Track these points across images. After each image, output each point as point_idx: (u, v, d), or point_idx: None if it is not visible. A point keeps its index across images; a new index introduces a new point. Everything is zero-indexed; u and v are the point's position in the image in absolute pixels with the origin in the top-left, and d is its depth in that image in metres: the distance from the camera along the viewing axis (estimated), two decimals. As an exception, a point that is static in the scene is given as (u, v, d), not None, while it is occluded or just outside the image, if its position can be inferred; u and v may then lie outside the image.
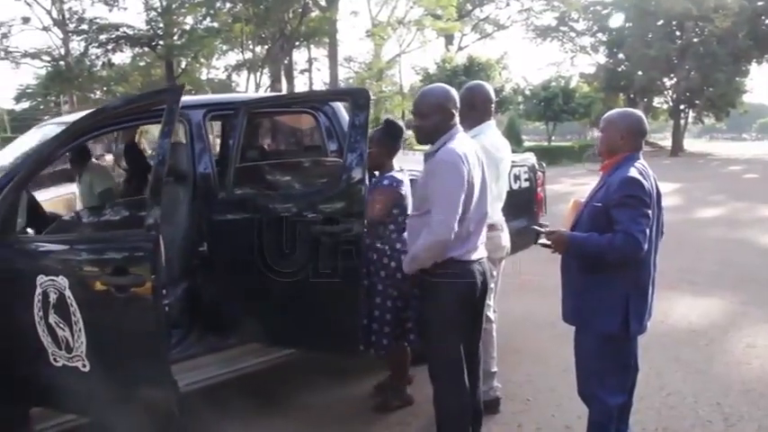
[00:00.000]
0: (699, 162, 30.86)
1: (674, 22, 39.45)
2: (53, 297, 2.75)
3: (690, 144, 48.33)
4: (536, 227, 3.20)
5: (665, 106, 44.94)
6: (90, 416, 3.12)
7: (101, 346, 2.76)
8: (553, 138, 38.12)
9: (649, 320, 2.95)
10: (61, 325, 2.77)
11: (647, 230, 2.69)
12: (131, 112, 3.32)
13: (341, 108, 4.09)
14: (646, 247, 2.68)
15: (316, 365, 4.34)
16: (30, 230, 3.30)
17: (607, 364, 2.89)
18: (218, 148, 4.04)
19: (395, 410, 3.85)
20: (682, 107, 41.78)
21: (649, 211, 2.71)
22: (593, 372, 2.92)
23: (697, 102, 41.02)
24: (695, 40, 38.62)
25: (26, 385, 3.02)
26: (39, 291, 2.78)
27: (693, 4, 36.00)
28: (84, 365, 2.78)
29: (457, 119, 2.95)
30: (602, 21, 44.08)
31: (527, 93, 35.70)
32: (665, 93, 42.30)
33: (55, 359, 2.84)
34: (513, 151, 4.17)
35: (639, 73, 39.88)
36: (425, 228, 2.79)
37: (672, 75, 39.64)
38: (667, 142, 41.44)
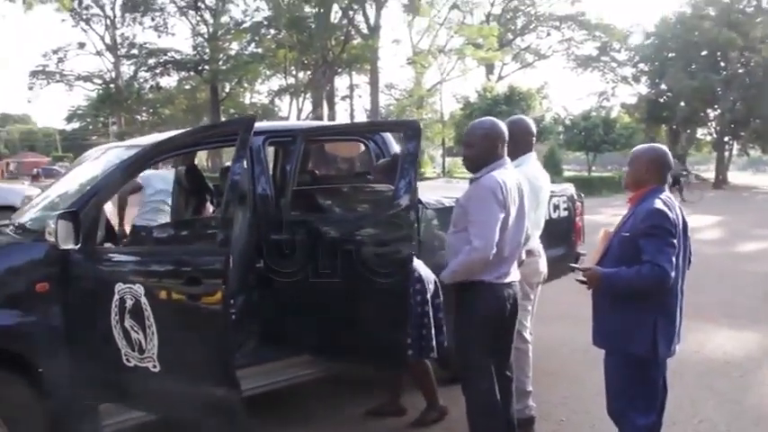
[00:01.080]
0: (743, 195, 30.37)
1: (718, 53, 39.16)
2: (129, 303, 3.05)
3: (734, 177, 47.51)
4: (572, 264, 3.43)
5: (709, 138, 44.45)
6: (157, 413, 3.40)
7: (171, 348, 3.04)
8: (593, 168, 37.93)
9: (678, 345, 3.09)
10: (135, 328, 3.06)
11: (674, 259, 2.85)
12: (207, 138, 3.65)
13: (390, 137, 4.37)
14: (673, 275, 2.84)
15: (355, 379, 4.60)
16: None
17: (636, 386, 3.04)
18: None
19: (431, 425, 4.04)
20: (726, 139, 41.27)
21: (675, 241, 2.88)
22: (622, 393, 3.07)
23: (742, 133, 40.52)
24: (740, 70, 38.25)
25: (98, 382, 3.31)
26: (117, 297, 3.08)
27: (739, 34, 35.77)
28: (154, 366, 3.06)
29: (504, 151, 3.20)
30: (643, 51, 43.97)
31: (567, 122, 35.69)
32: (709, 124, 41.86)
33: (128, 360, 3.13)
34: (553, 181, 4.39)
35: (682, 104, 39.60)
36: (467, 246, 3.03)
37: (716, 106, 39.27)
38: (711, 174, 40.79)
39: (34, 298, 3.16)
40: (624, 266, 2.92)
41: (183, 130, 4.03)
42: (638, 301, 2.95)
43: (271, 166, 4.55)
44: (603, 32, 43.85)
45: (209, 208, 4.98)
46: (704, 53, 39.92)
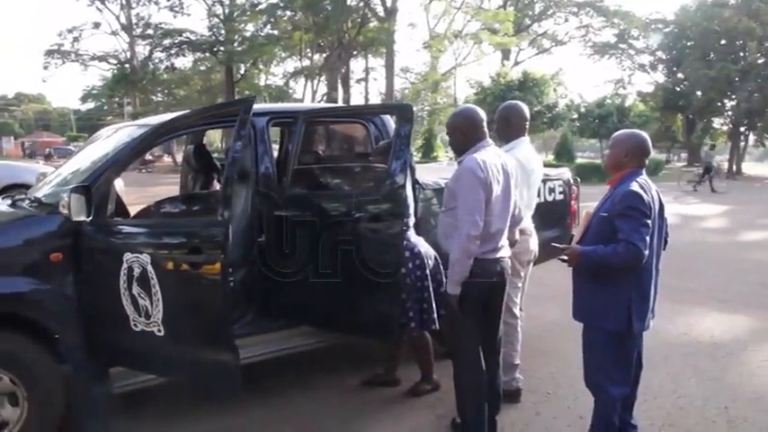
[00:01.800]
0: (755, 186, 30.21)
1: (737, 42, 38.76)
2: (137, 271, 3.27)
3: (749, 167, 47.17)
4: (555, 244, 3.60)
5: (725, 128, 44.11)
6: (161, 375, 3.63)
7: (174, 314, 3.27)
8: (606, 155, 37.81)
9: (653, 320, 3.26)
10: (142, 295, 3.28)
11: (647, 238, 3.03)
12: (210, 118, 3.85)
13: (389, 120, 4.55)
14: (646, 253, 3.02)
15: (351, 352, 4.83)
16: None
17: (612, 359, 3.23)
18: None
19: (425, 395, 4.26)
20: (741, 129, 40.93)
21: (649, 221, 3.04)
22: (598, 365, 3.27)
23: (759, 124, 40.14)
24: (759, 60, 37.85)
25: (108, 347, 3.54)
26: (125, 266, 3.30)
27: (759, 23, 35.39)
28: (159, 330, 3.29)
29: (484, 133, 3.36)
30: (662, 38, 43.61)
31: (582, 110, 35.54)
32: (725, 114, 41.50)
33: (135, 324, 3.35)
34: (553, 166, 4.55)
35: (699, 93, 39.31)
36: (455, 233, 3.20)
37: (732, 96, 38.91)
38: (725, 164, 40.51)
39: (49, 267, 3.37)
40: (602, 245, 3.10)
41: (187, 111, 4.23)
42: (614, 279, 3.13)
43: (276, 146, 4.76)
44: (622, 19, 43.48)
45: (216, 185, 5.18)
46: (723, 42, 39.55)
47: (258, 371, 4.06)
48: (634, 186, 3.07)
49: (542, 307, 6.14)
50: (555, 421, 3.95)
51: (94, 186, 3.39)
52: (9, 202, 4.11)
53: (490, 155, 3.30)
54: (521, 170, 3.77)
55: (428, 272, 3.99)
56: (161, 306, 3.24)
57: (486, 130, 3.38)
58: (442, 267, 4.13)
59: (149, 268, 3.22)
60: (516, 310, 4.16)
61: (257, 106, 3.76)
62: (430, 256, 4.05)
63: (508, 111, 4.16)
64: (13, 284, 3.31)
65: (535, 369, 4.67)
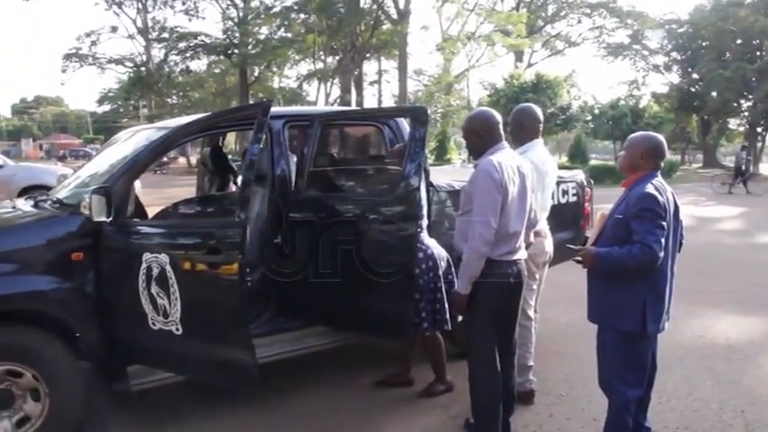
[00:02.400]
0: (773, 187, 29.86)
1: (753, 41, 38.44)
2: (156, 271, 3.33)
3: (766, 168, 46.71)
4: (570, 245, 3.61)
5: (741, 128, 43.75)
6: (179, 374, 3.69)
7: (192, 313, 3.32)
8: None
9: (668, 322, 3.27)
10: (161, 294, 3.34)
11: (663, 240, 3.04)
12: (228, 121, 3.91)
13: (403, 122, 4.58)
14: (661, 255, 3.03)
15: (364, 353, 4.88)
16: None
17: (626, 360, 3.24)
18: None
19: (438, 395, 4.28)
20: (758, 129, 40.56)
21: (664, 223, 3.05)
22: (613, 366, 3.27)
23: (776, 124, 39.79)
24: (776, 60, 37.54)
25: (127, 345, 3.59)
26: (144, 266, 3.36)
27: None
28: (177, 329, 3.35)
29: (500, 136, 3.38)
30: (677, 39, 43.36)
31: (595, 111, 35.42)
32: (741, 114, 41.14)
33: (153, 323, 3.42)
34: (567, 168, 4.56)
35: (714, 94, 39.02)
36: (469, 234, 3.23)
37: (749, 96, 38.58)
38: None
39: (70, 266, 3.45)
40: (617, 247, 3.11)
41: (206, 114, 4.30)
42: (629, 280, 3.14)
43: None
44: (636, 20, 43.26)
45: (232, 187, 5.24)
46: (738, 42, 39.26)
47: (273, 370, 4.10)
48: (649, 188, 3.09)
49: (557, 309, 6.15)
50: (568, 423, 3.96)
51: (114, 188, 3.46)
52: (32, 202, 4.18)
53: (506, 157, 3.32)
54: (535, 172, 3.79)
55: (441, 273, 4.02)
56: (179, 305, 3.29)
57: (501, 132, 3.40)
58: (453, 269, 4.17)
59: (168, 268, 3.28)
60: (531, 312, 4.17)
61: (274, 109, 3.81)
62: (442, 258, 4.08)
63: (521, 114, 4.18)
64: (36, 283, 3.39)
65: (549, 371, 4.68)
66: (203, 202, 4.43)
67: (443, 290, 4.03)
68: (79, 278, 3.47)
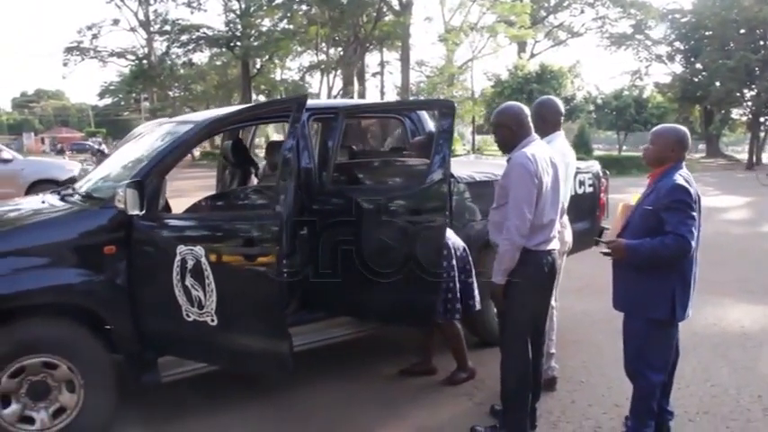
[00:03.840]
0: (776, 177, 29.90)
1: (757, 31, 38.29)
2: (190, 263, 3.39)
3: (769, 158, 46.72)
4: (597, 238, 3.68)
5: (744, 118, 43.64)
6: (213, 363, 3.76)
7: (228, 304, 3.39)
8: (624, 147, 37.61)
9: (691, 309, 3.35)
10: (196, 286, 3.40)
11: (694, 230, 3.11)
12: (260, 115, 3.97)
13: (425, 115, 4.64)
14: (694, 245, 3.11)
15: (384, 343, 4.97)
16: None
17: (653, 346, 3.33)
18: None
19: (461, 383, 4.37)
20: (762, 119, 40.47)
21: (695, 214, 3.13)
22: (640, 352, 3.35)
23: (780, 114, 39.65)
24: (781, 49, 37.38)
25: (159, 336, 3.67)
26: (178, 258, 3.42)
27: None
28: (212, 320, 3.42)
29: (530, 128, 3.44)
30: (680, 29, 43.21)
31: (599, 101, 35.38)
32: (745, 104, 41.04)
33: (187, 315, 3.48)
34: (582, 159, 4.62)
35: (717, 83, 38.90)
36: (504, 229, 3.29)
37: (752, 85, 38.46)
38: (744, 155, 40.19)
39: (103, 259, 3.50)
40: (647, 238, 3.17)
41: (237, 107, 4.35)
42: (658, 269, 3.22)
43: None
44: (639, 10, 43.11)
45: (253, 180, 5.30)
46: (742, 31, 39.05)
47: (300, 360, 4.17)
48: (679, 180, 3.16)
49: (572, 298, 6.23)
50: (590, 409, 4.04)
51: (146, 181, 3.51)
52: (58, 196, 4.24)
53: (538, 149, 3.38)
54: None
55: (454, 263, 4.10)
56: (215, 297, 3.36)
57: (531, 125, 3.47)
58: (470, 258, 4.25)
59: (203, 260, 3.34)
60: (552, 301, 4.24)
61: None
62: (458, 248, 4.16)
63: (543, 107, 4.23)
64: (69, 276, 3.45)
65: (568, 358, 4.75)
66: (235, 196, 4.50)
67: (457, 280, 4.11)
68: (111, 271, 3.53)
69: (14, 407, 3.32)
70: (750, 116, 40.53)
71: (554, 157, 3.47)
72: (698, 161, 39.03)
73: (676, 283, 3.24)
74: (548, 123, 4.12)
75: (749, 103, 39.68)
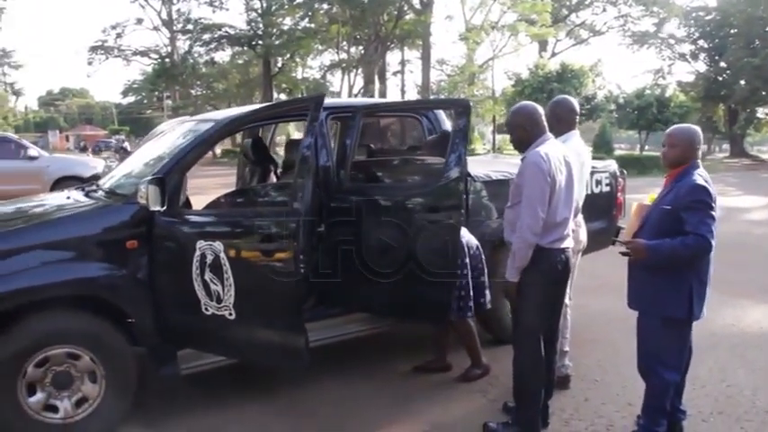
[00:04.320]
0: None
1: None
2: (209, 258, 3.47)
3: (794, 158, 46.05)
4: (614, 238, 3.71)
5: (770, 118, 43.12)
6: (230, 356, 3.85)
7: (246, 298, 3.47)
8: (646, 147, 37.25)
9: (706, 309, 3.36)
10: (215, 281, 3.48)
11: (714, 230, 3.13)
12: (279, 113, 4.04)
13: (441, 114, 4.69)
14: (714, 244, 3.12)
15: (398, 340, 5.04)
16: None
17: (668, 345, 3.34)
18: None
19: (475, 380, 4.41)
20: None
21: (715, 213, 3.15)
22: (654, 351, 3.36)
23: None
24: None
25: (179, 330, 3.75)
26: (198, 253, 3.51)
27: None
28: (230, 314, 3.50)
29: (544, 127, 3.48)
30: (704, 27, 42.72)
31: (620, 100, 35.07)
32: (770, 103, 40.52)
33: (206, 309, 3.56)
34: (600, 158, 4.62)
35: (742, 82, 38.42)
36: (517, 227, 3.33)
37: (778, 84, 37.93)
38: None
39: (125, 254, 3.60)
40: (666, 238, 3.19)
41: (258, 105, 4.43)
42: (676, 268, 3.23)
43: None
44: (662, 8, 42.71)
45: (273, 178, 5.37)
46: (768, 29, 38.60)
47: (316, 356, 4.24)
48: (699, 180, 3.18)
49: (588, 297, 6.22)
50: (604, 407, 4.05)
51: (168, 177, 3.60)
52: (83, 192, 4.35)
53: (552, 148, 3.41)
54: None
55: (468, 261, 4.16)
56: (233, 291, 3.44)
57: (545, 124, 3.50)
58: (483, 257, 4.29)
59: (222, 255, 3.42)
60: (566, 299, 4.26)
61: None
62: (471, 246, 4.22)
63: (558, 106, 4.25)
64: (92, 270, 3.55)
65: (582, 357, 4.77)
66: (255, 193, 4.57)
67: (470, 277, 4.17)
68: (133, 265, 3.62)
69: (39, 395, 3.42)
70: (776, 116, 39.99)
71: (568, 156, 3.50)
72: (721, 161, 38.58)
73: (693, 281, 3.25)
74: (563, 122, 4.14)
75: (775, 103, 39.16)
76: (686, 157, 3.31)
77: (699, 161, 3.32)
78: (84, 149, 43.19)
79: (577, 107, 4.30)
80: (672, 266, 3.24)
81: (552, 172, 3.28)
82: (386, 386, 4.39)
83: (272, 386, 4.32)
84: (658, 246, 3.21)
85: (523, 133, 3.46)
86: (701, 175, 3.22)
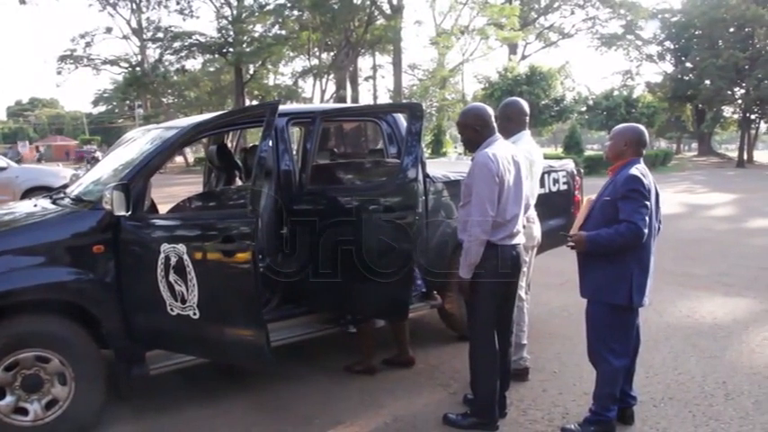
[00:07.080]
0: (765, 173, 30.17)
1: (745, 29, 38.62)
2: (173, 260, 3.57)
3: (762, 156, 47.08)
4: (562, 232, 3.88)
5: (735, 116, 43.96)
6: (197, 355, 3.94)
7: (209, 297, 3.56)
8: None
9: (649, 296, 3.54)
10: (179, 282, 3.58)
11: (647, 218, 3.32)
12: (237, 120, 4.15)
13: (401, 117, 4.84)
14: (646, 232, 3.31)
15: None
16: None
17: (613, 331, 3.53)
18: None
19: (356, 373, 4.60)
20: (752, 117, 40.78)
21: (648, 203, 3.34)
22: (601, 338, 3.55)
23: (770, 111, 39.96)
24: (769, 47, 37.69)
25: (146, 331, 3.84)
26: (162, 255, 3.60)
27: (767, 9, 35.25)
28: (194, 314, 3.59)
29: (493, 129, 3.63)
30: (670, 28, 43.54)
31: (589, 102, 35.61)
32: (735, 102, 41.33)
33: (171, 309, 3.66)
34: (558, 158, 4.78)
35: (707, 82, 39.23)
36: (468, 222, 3.48)
37: (742, 83, 38.77)
38: (736, 153, 40.50)
39: (93, 258, 3.69)
40: (605, 228, 3.38)
41: (217, 113, 4.54)
42: (618, 257, 3.42)
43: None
44: (628, 10, 43.46)
45: (238, 182, 5.48)
46: (731, 30, 39.43)
47: (283, 354, 4.35)
48: (634, 171, 3.38)
49: (550, 293, 6.43)
50: (561, 397, 4.22)
51: (132, 183, 3.70)
52: (50, 200, 4.42)
53: (501, 148, 3.57)
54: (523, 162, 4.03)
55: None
56: (196, 291, 3.54)
57: (495, 125, 3.66)
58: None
59: (185, 257, 3.53)
60: (522, 293, 4.42)
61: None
62: None
63: (508, 107, 4.43)
64: (60, 274, 3.64)
65: (542, 350, 4.95)
66: (215, 197, 4.68)
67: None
68: (100, 269, 3.71)
69: (9, 399, 3.50)
70: (741, 114, 40.83)
71: (517, 156, 3.66)
72: (690, 159, 39.31)
73: (634, 269, 3.43)
74: (513, 123, 4.31)
75: (739, 101, 40.00)
76: (619, 151, 3.51)
77: (640, 159, 3.51)
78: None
79: (527, 108, 4.47)
80: (610, 254, 3.42)
81: (500, 172, 3.44)
82: (353, 382, 4.51)
83: (233, 386, 4.43)
84: (596, 236, 3.40)
85: (473, 134, 3.62)
86: (638, 168, 3.42)
